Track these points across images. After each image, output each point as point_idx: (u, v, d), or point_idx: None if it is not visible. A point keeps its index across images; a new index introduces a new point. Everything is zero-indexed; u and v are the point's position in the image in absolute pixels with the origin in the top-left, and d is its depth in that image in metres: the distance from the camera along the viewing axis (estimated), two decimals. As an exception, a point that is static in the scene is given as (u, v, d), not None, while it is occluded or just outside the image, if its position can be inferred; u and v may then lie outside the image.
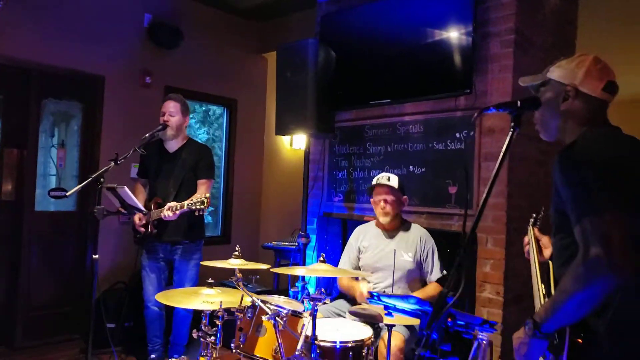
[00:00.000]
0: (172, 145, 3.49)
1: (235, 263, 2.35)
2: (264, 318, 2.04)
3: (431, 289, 2.78)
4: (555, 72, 1.53)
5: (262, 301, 2.17)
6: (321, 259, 2.12)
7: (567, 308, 1.29)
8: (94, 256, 2.81)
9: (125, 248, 4.26)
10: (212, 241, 4.93)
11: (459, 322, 1.21)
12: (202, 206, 2.92)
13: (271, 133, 5.65)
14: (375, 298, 1.40)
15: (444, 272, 2.87)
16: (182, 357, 2.35)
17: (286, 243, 4.55)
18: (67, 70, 4.10)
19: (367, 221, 3.23)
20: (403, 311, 1.33)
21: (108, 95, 4.30)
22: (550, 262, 1.63)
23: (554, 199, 1.44)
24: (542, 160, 3.36)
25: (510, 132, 1.44)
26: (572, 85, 1.48)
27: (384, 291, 2.81)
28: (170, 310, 3.50)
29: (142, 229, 3.31)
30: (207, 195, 2.98)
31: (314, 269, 2.11)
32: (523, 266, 3.13)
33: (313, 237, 4.05)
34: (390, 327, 2.20)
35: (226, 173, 5.28)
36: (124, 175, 4.14)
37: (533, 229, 1.93)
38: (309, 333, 1.99)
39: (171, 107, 3.41)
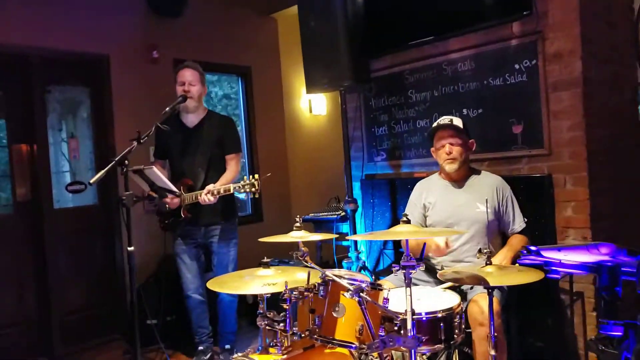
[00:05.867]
0: (192, 119, 3.20)
1: (297, 235, 2.02)
2: (347, 295, 1.71)
3: (517, 243, 2.41)
4: None
5: (337, 276, 1.85)
6: (404, 218, 1.77)
7: None
8: (129, 248, 2.48)
9: (152, 238, 3.96)
10: (244, 221, 4.60)
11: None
12: (254, 189, 2.71)
13: (290, 100, 5.28)
14: (534, 254, 1.05)
15: (526, 220, 2.51)
16: (249, 349, 2.03)
17: (325, 213, 4.22)
18: (68, 53, 3.74)
19: (420, 178, 2.87)
20: (572, 266, 0.99)
21: (115, 76, 3.93)
22: None
23: None
24: (614, 83, 2.96)
25: None
26: None
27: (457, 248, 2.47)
28: (212, 297, 3.23)
29: (171, 206, 3.02)
30: (257, 176, 2.74)
31: (398, 232, 1.77)
32: (612, 205, 2.78)
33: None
34: (491, 289, 1.87)
35: (249, 147, 4.93)
36: (145, 158, 3.79)
37: None
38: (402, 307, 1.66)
39: (189, 76, 3.11)
